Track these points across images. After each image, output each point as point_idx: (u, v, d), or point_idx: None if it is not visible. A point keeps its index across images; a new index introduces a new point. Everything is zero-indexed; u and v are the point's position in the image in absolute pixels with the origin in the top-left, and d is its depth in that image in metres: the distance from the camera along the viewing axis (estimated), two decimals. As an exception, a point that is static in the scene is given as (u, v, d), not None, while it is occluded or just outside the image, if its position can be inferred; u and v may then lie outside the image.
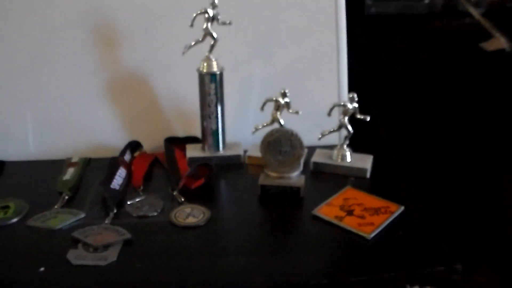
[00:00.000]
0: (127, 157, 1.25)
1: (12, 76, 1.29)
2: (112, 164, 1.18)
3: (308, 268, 0.88)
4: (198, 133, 1.28)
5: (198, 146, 1.28)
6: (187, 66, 1.21)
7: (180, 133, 1.35)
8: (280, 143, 1.09)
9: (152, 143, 1.33)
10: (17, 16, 1.27)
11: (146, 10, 1.30)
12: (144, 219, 1.02)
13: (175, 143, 1.31)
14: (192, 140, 1.32)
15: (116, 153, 1.25)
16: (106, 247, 0.91)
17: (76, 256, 0.89)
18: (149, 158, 1.28)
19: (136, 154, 1.30)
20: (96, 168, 1.24)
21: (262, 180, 1.11)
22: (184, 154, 1.26)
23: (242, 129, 1.30)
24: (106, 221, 1.00)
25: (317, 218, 1.01)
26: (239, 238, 0.97)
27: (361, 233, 0.95)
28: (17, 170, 1.25)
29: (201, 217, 1.01)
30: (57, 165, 1.24)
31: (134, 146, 1.31)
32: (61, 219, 1.01)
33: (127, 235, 0.94)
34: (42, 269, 0.86)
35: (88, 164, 1.26)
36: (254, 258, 0.90)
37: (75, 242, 0.93)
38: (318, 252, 0.93)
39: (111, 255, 0.89)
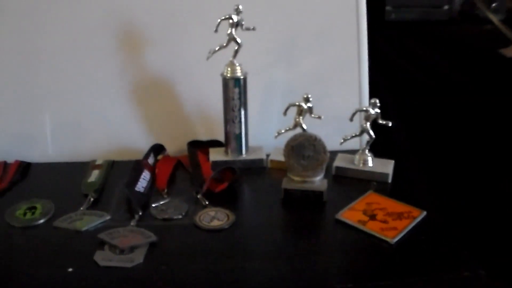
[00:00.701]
0: (150, 160, 1.26)
1: (39, 79, 1.32)
2: (136, 167, 1.19)
3: (332, 272, 0.89)
4: (221, 137, 1.29)
5: (221, 150, 1.29)
6: (211, 71, 1.22)
7: (203, 136, 1.36)
8: (304, 148, 1.09)
9: (175, 146, 1.34)
10: (41, 19, 1.29)
11: (171, 15, 1.32)
12: (169, 222, 1.03)
13: (198, 147, 1.32)
14: (215, 144, 1.33)
15: (139, 156, 1.25)
16: (132, 249, 0.92)
17: (103, 258, 0.90)
18: (172, 161, 1.29)
19: (160, 157, 1.31)
20: (120, 170, 1.25)
21: (285, 184, 1.11)
22: (207, 158, 1.27)
23: (264, 134, 1.30)
24: (132, 223, 1.01)
25: (340, 222, 1.02)
26: (263, 242, 0.98)
27: (384, 238, 0.96)
28: (42, 172, 1.27)
29: (225, 220, 1.02)
30: (81, 168, 1.25)
31: (157, 149, 1.31)
32: (87, 221, 1.02)
33: (153, 238, 0.95)
34: (70, 269, 0.88)
35: (112, 167, 1.28)
36: (278, 261, 0.91)
37: (102, 244, 0.94)
38: (342, 256, 0.94)
39: (137, 257, 0.90)
